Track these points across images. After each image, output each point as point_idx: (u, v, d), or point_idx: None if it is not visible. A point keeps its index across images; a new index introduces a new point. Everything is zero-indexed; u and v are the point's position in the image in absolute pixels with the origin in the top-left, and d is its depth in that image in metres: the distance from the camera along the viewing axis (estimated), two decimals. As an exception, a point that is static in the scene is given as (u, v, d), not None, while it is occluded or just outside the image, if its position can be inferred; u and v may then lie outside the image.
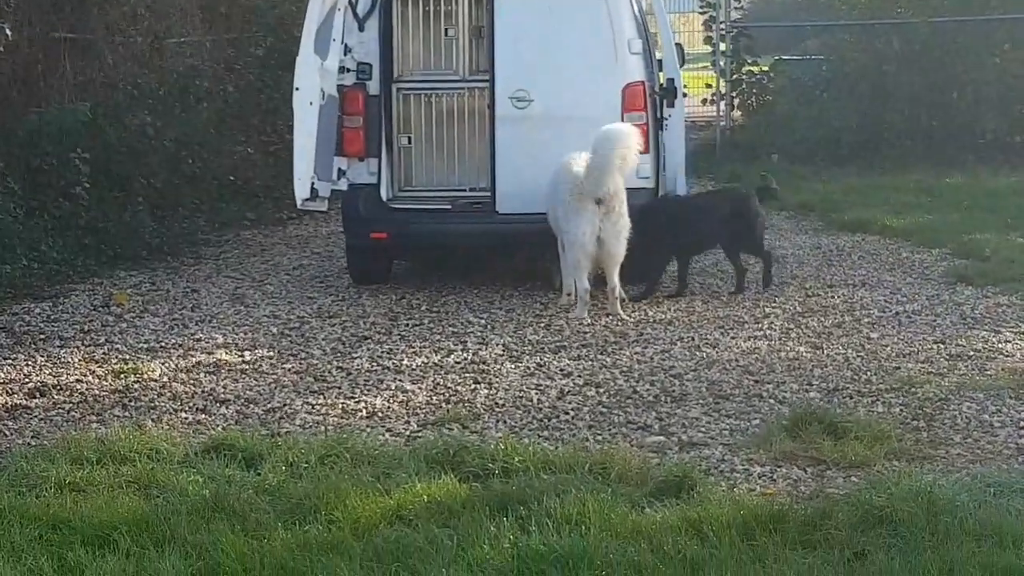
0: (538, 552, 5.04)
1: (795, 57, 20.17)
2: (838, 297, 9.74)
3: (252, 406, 7.29)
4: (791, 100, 18.17)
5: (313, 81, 9.61)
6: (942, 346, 8.27)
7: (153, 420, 7.01)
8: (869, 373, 7.69)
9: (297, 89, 9.61)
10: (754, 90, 18.78)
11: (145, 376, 7.88)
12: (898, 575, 4.83)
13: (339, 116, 9.98)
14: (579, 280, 9.20)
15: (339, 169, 10.04)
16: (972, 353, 8.09)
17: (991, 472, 5.97)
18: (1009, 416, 6.86)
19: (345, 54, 9.95)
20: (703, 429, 6.75)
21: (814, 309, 9.37)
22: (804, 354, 8.14)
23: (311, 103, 9.58)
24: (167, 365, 8.13)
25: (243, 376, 7.89)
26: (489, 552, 5.07)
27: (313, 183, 9.69)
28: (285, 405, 7.29)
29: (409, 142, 10.53)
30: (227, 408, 7.25)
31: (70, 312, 9.67)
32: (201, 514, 5.48)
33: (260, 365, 8.12)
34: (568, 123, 9.63)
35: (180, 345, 8.63)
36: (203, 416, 7.12)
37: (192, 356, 8.35)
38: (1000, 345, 8.27)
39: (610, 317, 9.16)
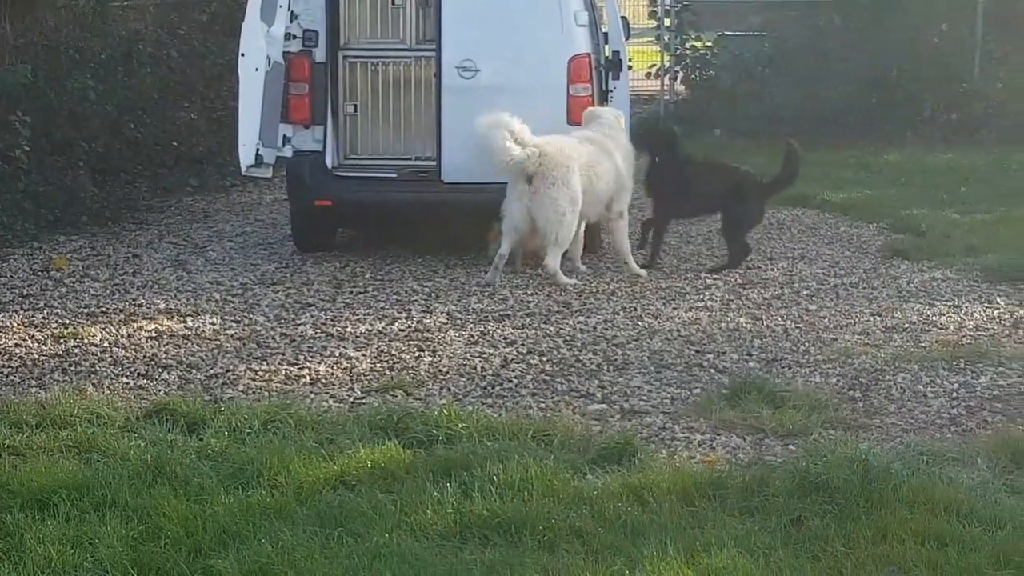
0: (481, 517, 5.10)
1: (738, 33, 20.24)
2: (777, 270, 9.85)
3: (194, 372, 7.27)
4: (734, 76, 18.27)
5: (259, 47, 9.56)
6: (878, 318, 8.39)
7: (94, 385, 6.98)
8: (807, 344, 7.80)
9: (243, 55, 9.56)
10: (697, 65, 18.84)
11: (85, 341, 7.83)
12: (833, 540, 4.93)
13: (285, 83, 9.94)
14: (501, 246, 9.27)
15: (284, 136, 10.00)
16: (907, 325, 8.22)
17: (924, 441, 6.11)
18: (942, 387, 6.99)
19: (291, 20, 9.90)
20: (644, 397, 6.83)
21: (754, 281, 9.47)
22: (744, 325, 8.23)
23: (257, 69, 9.54)
24: (108, 330, 8.09)
25: (185, 342, 7.86)
26: (432, 517, 5.11)
27: (258, 150, 9.66)
28: (228, 371, 7.27)
29: (355, 110, 10.50)
30: (169, 373, 7.22)
31: (8, 276, 9.58)
32: (142, 478, 5.47)
33: (202, 331, 8.09)
34: (514, 94, 9.65)
35: (121, 310, 8.58)
36: (145, 381, 7.09)
37: (133, 321, 8.30)
38: (934, 318, 8.41)
39: (553, 287, 9.21)
